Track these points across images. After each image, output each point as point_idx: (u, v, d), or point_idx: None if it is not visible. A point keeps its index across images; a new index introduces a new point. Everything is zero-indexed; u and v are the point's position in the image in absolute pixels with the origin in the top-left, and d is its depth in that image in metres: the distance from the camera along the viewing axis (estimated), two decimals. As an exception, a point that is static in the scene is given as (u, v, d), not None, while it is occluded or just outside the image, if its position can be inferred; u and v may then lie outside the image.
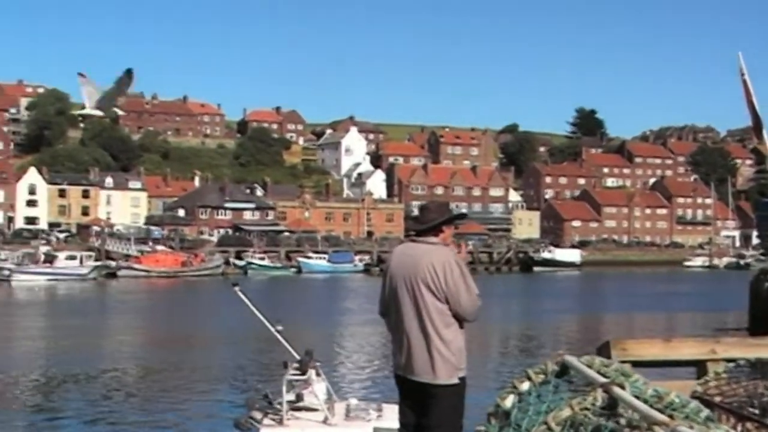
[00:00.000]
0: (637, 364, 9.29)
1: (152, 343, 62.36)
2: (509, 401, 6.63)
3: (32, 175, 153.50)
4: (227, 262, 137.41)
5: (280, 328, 17.00)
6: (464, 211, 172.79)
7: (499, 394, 6.90)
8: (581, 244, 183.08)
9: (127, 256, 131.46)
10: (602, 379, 6.23)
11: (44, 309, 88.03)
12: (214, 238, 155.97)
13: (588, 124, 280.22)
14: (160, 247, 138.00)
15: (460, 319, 8.71)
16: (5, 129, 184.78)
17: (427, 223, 8.80)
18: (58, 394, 43.16)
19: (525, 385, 6.68)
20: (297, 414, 14.62)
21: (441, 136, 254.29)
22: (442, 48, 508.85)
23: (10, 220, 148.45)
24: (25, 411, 38.95)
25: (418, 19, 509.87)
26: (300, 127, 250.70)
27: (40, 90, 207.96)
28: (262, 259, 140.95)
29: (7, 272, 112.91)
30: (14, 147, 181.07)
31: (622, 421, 5.67)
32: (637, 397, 5.92)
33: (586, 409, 5.87)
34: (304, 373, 14.88)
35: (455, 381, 8.58)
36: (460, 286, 8.55)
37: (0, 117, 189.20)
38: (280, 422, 14.32)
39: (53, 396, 42.82)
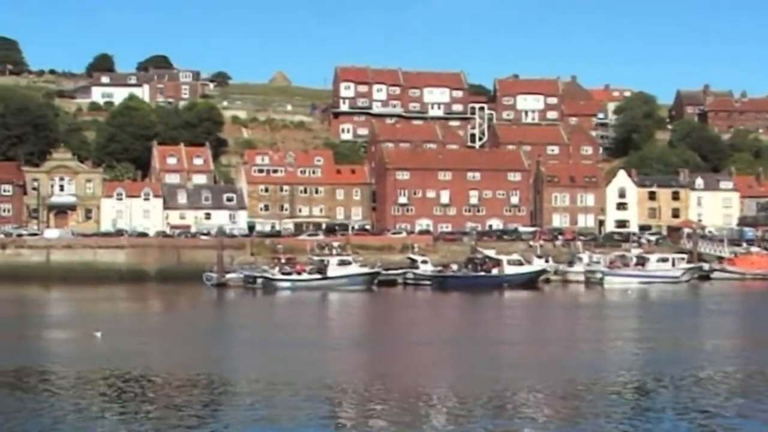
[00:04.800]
0: None
1: (749, 347, 58.04)
2: None
3: (621, 179, 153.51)
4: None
5: None
6: None
7: None
8: None
9: (719, 258, 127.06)
10: None
11: (636, 311, 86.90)
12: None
13: None
14: (754, 249, 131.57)
15: None
16: (594, 134, 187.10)
17: None
18: (651, 395, 40.84)
19: None
20: None
21: None
22: None
23: (601, 223, 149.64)
24: (616, 408, 37.16)
25: None
26: None
27: (627, 93, 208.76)
28: None
29: (599, 274, 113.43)
30: (603, 151, 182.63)
31: None
32: None
33: None
34: None
35: None
36: None
37: (588, 122, 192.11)
38: None
39: (649, 396, 40.56)
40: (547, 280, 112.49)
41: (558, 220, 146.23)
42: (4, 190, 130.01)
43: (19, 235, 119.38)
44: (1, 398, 38.64)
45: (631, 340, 62.79)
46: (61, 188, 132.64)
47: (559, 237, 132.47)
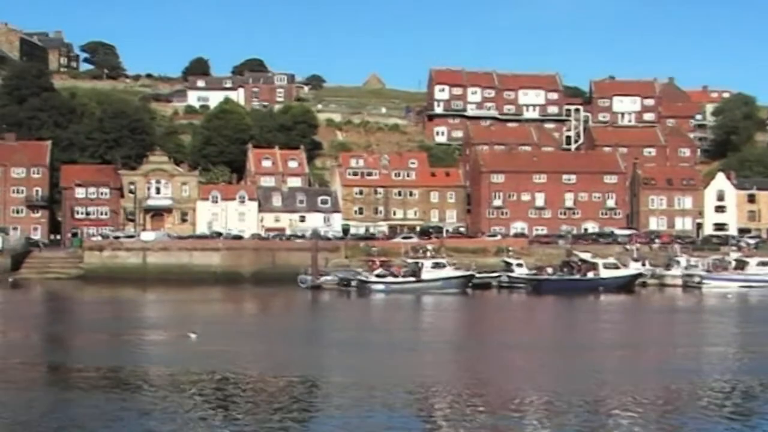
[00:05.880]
0: None
1: None
2: None
3: (720, 181, 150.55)
4: None
5: None
6: None
7: None
8: None
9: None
10: None
11: (737, 315, 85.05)
12: None
13: None
14: None
15: None
16: (691, 135, 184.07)
17: None
18: (754, 401, 39.90)
19: None
20: None
21: None
22: None
23: (699, 226, 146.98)
24: (717, 414, 36.39)
25: None
26: None
27: (726, 95, 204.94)
28: None
29: (697, 279, 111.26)
30: (701, 153, 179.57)
31: None
32: None
33: None
34: None
35: None
36: None
37: (686, 124, 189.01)
38: None
39: (752, 401, 39.61)
40: (644, 284, 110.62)
41: (655, 223, 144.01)
42: (102, 193, 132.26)
43: (117, 238, 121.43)
44: (98, 398, 39.04)
45: (732, 344, 61.49)
46: (158, 191, 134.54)
47: (656, 240, 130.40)
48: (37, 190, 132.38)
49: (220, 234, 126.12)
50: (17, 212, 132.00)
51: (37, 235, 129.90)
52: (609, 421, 35.70)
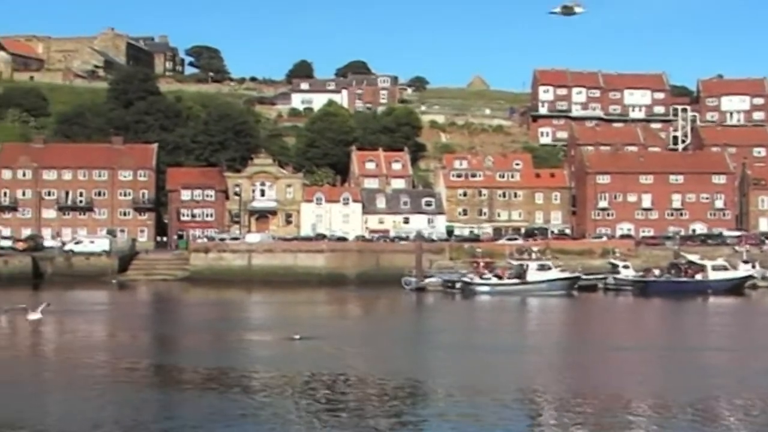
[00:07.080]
0: None
1: None
2: None
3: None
4: None
5: None
6: None
7: None
8: None
9: None
10: None
11: None
12: None
13: None
14: None
15: None
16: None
17: None
18: None
19: None
20: None
21: None
22: None
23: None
24: None
25: None
26: None
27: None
28: None
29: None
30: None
31: None
32: None
33: None
34: None
35: None
36: None
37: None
38: None
39: None
40: (754, 287, 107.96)
41: (765, 224, 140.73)
42: (207, 196, 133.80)
43: (222, 240, 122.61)
44: (209, 399, 39.22)
45: None
46: (262, 193, 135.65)
47: (767, 242, 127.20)
48: (143, 193, 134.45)
49: (324, 236, 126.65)
50: (124, 214, 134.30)
51: (143, 237, 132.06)
52: (719, 425, 34.84)
